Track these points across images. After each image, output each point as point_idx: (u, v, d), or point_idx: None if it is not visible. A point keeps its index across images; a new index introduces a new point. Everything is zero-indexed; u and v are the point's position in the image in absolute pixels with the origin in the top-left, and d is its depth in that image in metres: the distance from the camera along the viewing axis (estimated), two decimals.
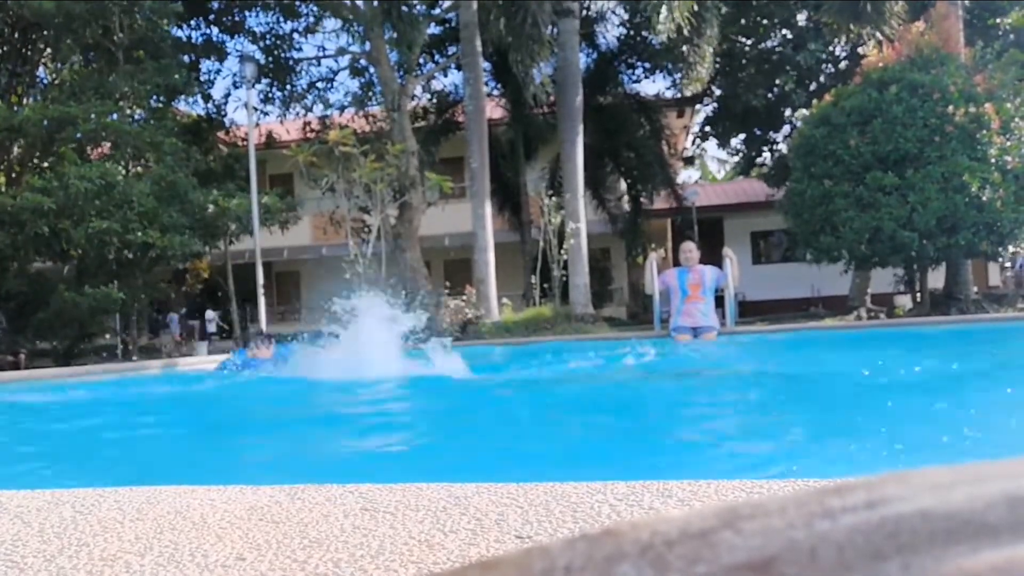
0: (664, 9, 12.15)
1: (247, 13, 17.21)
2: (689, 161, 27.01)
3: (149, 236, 11.91)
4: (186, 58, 16.46)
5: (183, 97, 16.11)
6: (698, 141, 22.90)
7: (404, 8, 13.20)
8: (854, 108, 10.71)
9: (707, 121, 21.12)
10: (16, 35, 15.93)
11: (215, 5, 17.01)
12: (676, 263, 8.32)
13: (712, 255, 8.46)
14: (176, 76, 14.15)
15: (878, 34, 13.31)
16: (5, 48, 15.92)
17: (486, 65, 15.65)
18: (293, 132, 19.31)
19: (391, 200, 12.72)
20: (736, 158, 24.56)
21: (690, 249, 8.07)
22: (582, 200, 13.66)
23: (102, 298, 11.83)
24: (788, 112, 19.19)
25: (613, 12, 19.10)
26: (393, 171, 11.92)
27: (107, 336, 14.49)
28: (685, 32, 12.94)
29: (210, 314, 19.77)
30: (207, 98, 17.46)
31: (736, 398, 4.23)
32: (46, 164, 14.41)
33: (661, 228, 22.12)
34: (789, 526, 0.28)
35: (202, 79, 17.20)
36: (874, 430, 2.88)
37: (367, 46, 14.37)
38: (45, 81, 17.15)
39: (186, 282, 17.92)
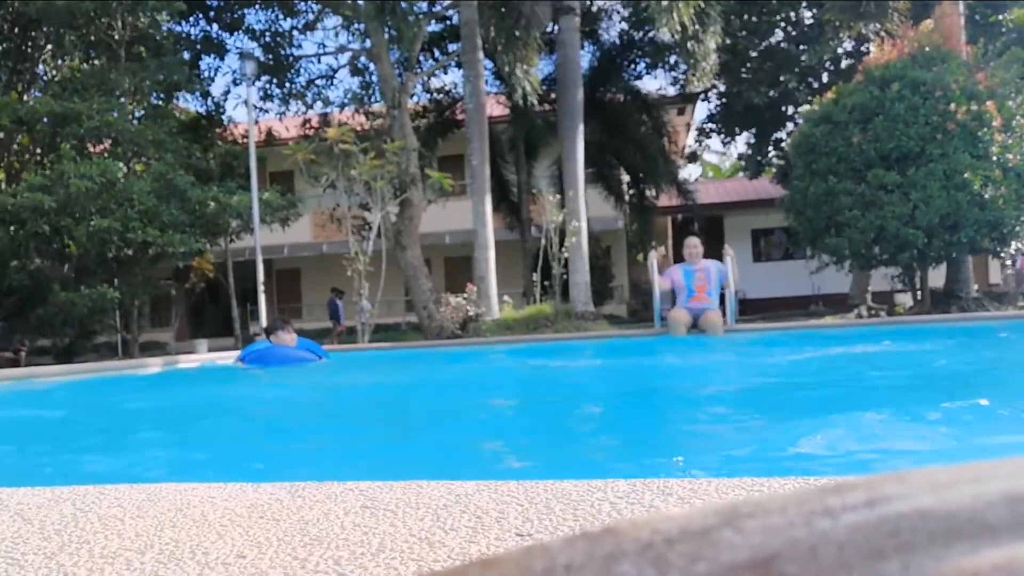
0: (663, 15, 12.14)
1: (247, 10, 17.20)
2: (692, 158, 26.99)
3: (149, 235, 11.91)
4: (186, 55, 16.46)
5: (183, 94, 16.11)
6: (702, 139, 22.84)
7: (404, 5, 13.19)
8: (856, 105, 10.69)
9: (710, 118, 21.09)
10: (16, 31, 15.93)
11: (215, 2, 17.00)
12: (678, 259, 8.30)
13: (712, 253, 8.43)
14: (177, 73, 14.15)
15: (879, 31, 13.30)
16: (5, 45, 15.92)
17: (487, 63, 15.64)
18: (293, 129, 19.31)
19: (391, 197, 12.71)
20: (736, 154, 24.55)
21: (695, 244, 8.03)
22: (583, 198, 13.66)
23: (98, 298, 11.82)
24: (791, 110, 19.18)
25: (615, 9, 19.09)
26: (393, 168, 11.92)
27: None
28: (689, 30, 12.93)
29: (366, 304, 18.13)
30: (206, 95, 17.46)
31: (736, 396, 4.23)
32: (47, 161, 14.42)
33: (662, 226, 22.12)
34: (790, 525, 0.28)
35: (202, 76, 17.20)
36: (874, 428, 2.88)
37: (367, 43, 14.36)
38: (45, 78, 17.15)
39: (188, 280, 17.85)
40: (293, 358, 6.53)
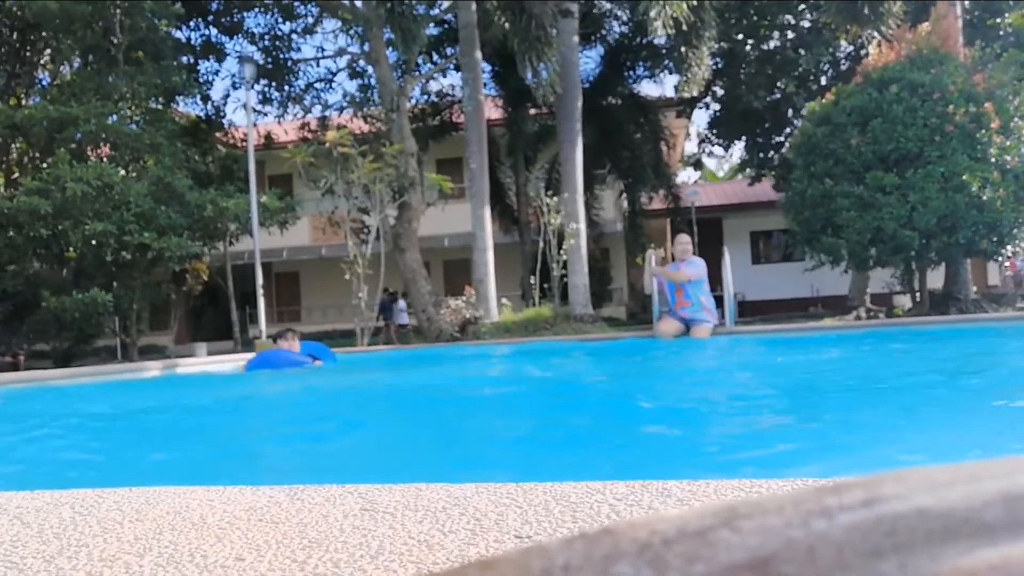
0: (655, 9, 12.15)
1: (246, 14, 17.21)
2: (697, 165, 27.08)
3: (146, 238, 11.90)
4: (185, 59, 16.46)
5: (182, 97, 16.11)
6: (704, 145, 22.84)
7: (404, 7, 13.19)
8: (854, 107, 10.70)
9: (711, 123, 21.09)
10: (15, 36, 15.93)
11: (214, 6, 17.01)
12: (674, 258, 8.34)
13: (712, 255, 8.44)
14: (176, 77, 14.15)
15: (876, 34, 13.31)
16: (4, 49, 15.92)
17: (484, 66, 15.64)
18: (292, 133, 19.32)
19: (390, 201, 12.71)
20: (736, 158, 24.52)
21: (685, 242, 8.09)
22: (581, 200, 13.65)
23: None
24: (790, 113, 19.18)
25: (613, 14, 19.11)
26: (392, 172, 11.92)
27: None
28: (683, 26, 12.92)
29: (402, 303, 17.83)
30: (206, 99, 17.47)
31: (735, 398, 4.23)
32: (45, 165, 14.44)
33: (660, 228, 22.14)
34: (787, 525, 0.28)
35: (201, 80, 17.20)
36: (872, 429, 2.88)
37: (366, 47, 14.37)
38: (45, 82, 17.15)
39: (186, 283, 17.84)
40: (293, 361, 6.73)
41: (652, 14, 12.13)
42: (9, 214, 12.02)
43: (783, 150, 19.50)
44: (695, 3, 13.01)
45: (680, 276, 7.85)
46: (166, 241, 12.12)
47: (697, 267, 7.86)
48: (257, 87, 17.06)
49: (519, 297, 15.93)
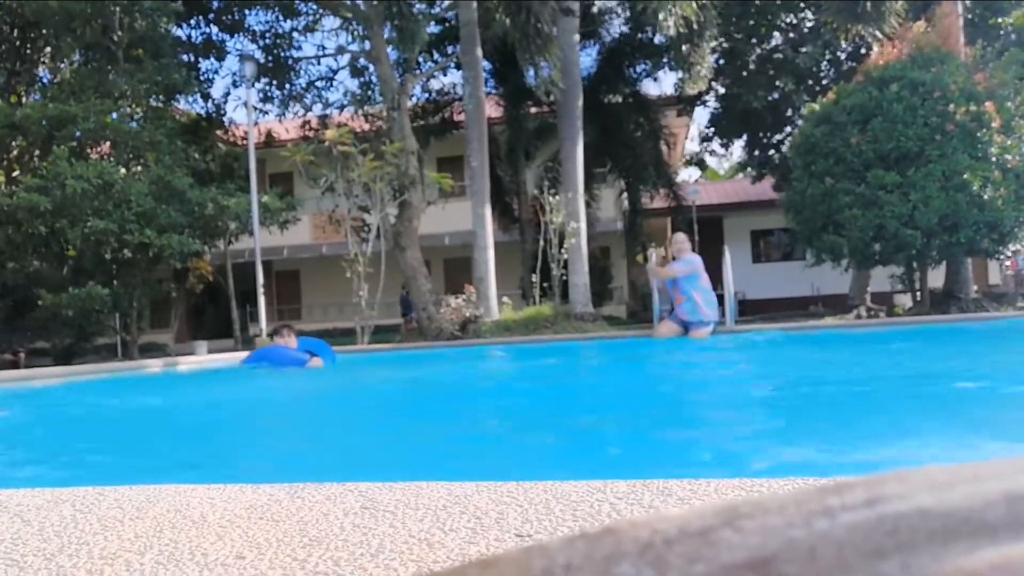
0: (663, 11, 12.15)
1: (247, 12, 17.19)
2: (701, 165, 27.06)
3: (146, 236, 11.89)
4: (186, 57, 16.44)
5: (182, 96, 16.10)
6: (706, 144, 22.82)
7: (405, 5, 13.18)
8: (855, 106, 10.69)
9: (711, 122, 21.07)
10: (15, 33, 15.93)
11: (215, 4, 16.98)
12: (674, 257, 8.37)
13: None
14: (176, 75, 14.14)
15: (878, 33, 13.29)
16: (4, 47, 15.92)
17: (485, 64, 15.62)
18: (292, 131, 19.31)
19: (391, 199, 12.71)
20: (736, 158, 24.50)
21: (681, 240, 8.14)
22: (582, 199, 13.65)
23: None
24: (791, 112, 19.16)
25: (615, 12, 19.09)
26: (392, 170, 11.91)
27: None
28: (693, 25, 12.92)
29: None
30: (206, 97, 17.45)
31: (734, 396, 4.23)
32: (45, 163, 14.43)
33: (661, 227, 22.12)
34: (789, 525, 0.28)
35: (201, 78, 17.19)
36: (873, 428, 2.88)
37: (367, 45, 14.36)
38: (45, 80, 17.15)
39: (188, 281, 17.83)
40: (290, 358, 6.72)
41: (661, 16, 12.13)
42: (8, 211, 12.02)
43: (783, 149, 19.48)
44: (702, 2, 13.01)
45: (668, 273, 7.96)
46: (167, 239, 12.12)
47: (686, 264, 7.91)
48: (258, 85, 17.04)
49: (519, 296, 15.92)
